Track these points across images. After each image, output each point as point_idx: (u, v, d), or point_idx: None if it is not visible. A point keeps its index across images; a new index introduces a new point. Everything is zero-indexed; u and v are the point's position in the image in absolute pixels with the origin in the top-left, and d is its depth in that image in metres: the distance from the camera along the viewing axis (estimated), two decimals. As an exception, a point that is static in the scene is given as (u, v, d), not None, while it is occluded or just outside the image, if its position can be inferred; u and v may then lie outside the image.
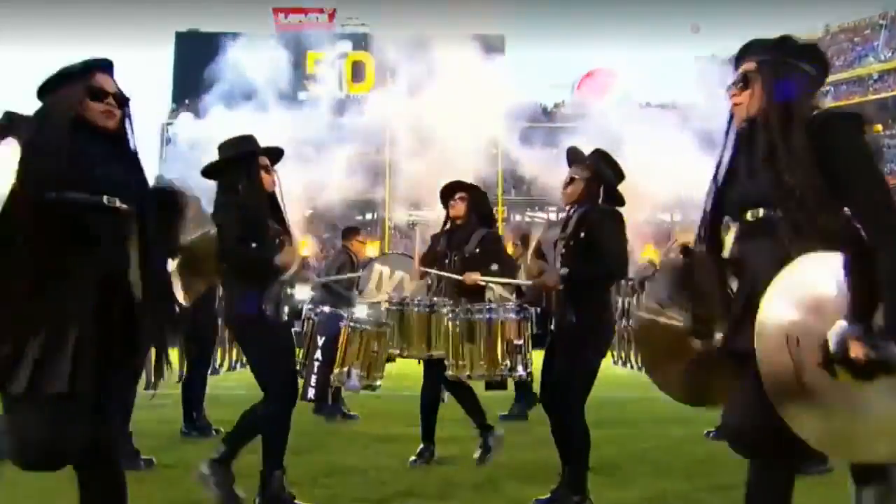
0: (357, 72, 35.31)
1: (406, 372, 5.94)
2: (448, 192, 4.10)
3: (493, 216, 4.33)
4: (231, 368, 9.27)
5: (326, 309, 3.92)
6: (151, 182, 2.02)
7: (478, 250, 3.93)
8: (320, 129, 29.56)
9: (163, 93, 40.08)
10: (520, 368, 3.48)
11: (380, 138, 30.35)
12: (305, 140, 29.43)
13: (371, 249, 21.04)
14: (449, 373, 3.61)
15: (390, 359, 4.06)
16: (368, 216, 33.83)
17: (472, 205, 4.06)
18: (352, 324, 3.70)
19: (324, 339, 3.72)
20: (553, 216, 34.83)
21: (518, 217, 34.37)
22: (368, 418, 5.67)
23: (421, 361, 4.12)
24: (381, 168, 30.32)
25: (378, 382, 3.76)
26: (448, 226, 4.15)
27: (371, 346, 3.67)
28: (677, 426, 5.11)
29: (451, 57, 31.47)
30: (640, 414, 5.87)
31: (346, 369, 3.64)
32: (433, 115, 33.15)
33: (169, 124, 32.86)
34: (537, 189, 32.86)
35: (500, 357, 3.47)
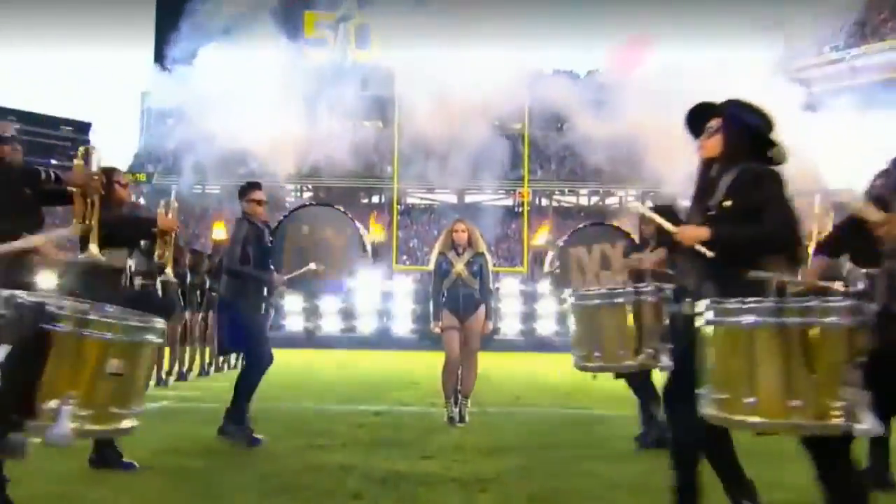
0: (362, 36, 35.33)
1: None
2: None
3: None
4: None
5: (23, 298, 2.18)
6: None
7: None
8: (320, 99, 29.89)
9: (143, 59, 40.22)
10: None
11: (387, 111, 30.50)
12: (304, 113, 29.65)
13: (377, 234, 21.52)
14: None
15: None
16: (375, 198, 34.14)
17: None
18: (60, 324, 2.09)
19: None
20: (584, 200, 34.72)
21: (545, 201, 34.22)
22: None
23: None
24: (389, 144, 30.38)
25: (125, 425, 2.25)
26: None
27: (104, 362, 2.14)
28: None
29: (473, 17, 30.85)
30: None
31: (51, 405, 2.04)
32: (452, 85, 32.89)
33: (148, 93, 33.19)
34: (565, 170, 32.98)
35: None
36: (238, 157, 32.11)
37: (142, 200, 31.08)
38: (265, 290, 4.42)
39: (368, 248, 4.82)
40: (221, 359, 9.02)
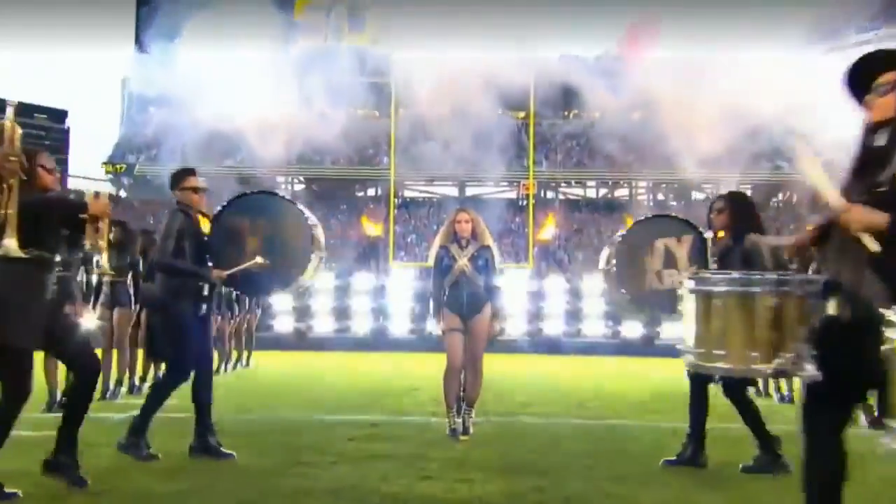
0: (356, 18, 35.09)
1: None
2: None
3: None
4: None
5: None
6: None
7: None
8: (312, 87, 29.63)
9: (123, 41, 39.79)
10: None
11: (384, 98, 30.27)
12: (294, 101, 29.45)
13: (373, 229, 21.35)
14: None
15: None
16: (371, 191, 33.95)
17: None
18: None
19: None
20: (592, 193, 34.51)
21: (550, 195, 34.04)
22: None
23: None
24: (386, 134, 30.14)
25: None
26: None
27: None
28: None
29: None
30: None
31: None
32: (452, 71, 32.66)
33: (128, 79, 32.89)
34: (571, 161, 32.82)
35: None
36: (225, 147, 32.06)
37: (123, 193, 30.93)
38: (204, 288, 4.13)
39: (320, 240, 4.51)
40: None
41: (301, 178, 33.97)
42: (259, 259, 4.17)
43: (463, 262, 4.92)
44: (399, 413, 6.11)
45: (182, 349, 4.05)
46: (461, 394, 5.09)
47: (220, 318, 8.64)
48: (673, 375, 9.76)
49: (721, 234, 4.15)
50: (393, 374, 9.76)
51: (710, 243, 4.29)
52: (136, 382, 7.06)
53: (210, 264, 4.16)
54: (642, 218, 4.91)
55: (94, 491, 3.34)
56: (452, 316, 4.92)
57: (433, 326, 5.17)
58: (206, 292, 4.17)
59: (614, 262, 4.63)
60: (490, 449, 4.64)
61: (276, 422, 5.67)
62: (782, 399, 7.18)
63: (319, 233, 4.54)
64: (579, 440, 5.05)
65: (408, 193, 34.60)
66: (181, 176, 4.23)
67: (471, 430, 4.97)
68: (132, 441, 3.99)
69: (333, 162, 32.16)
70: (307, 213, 4.49)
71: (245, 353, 9.96)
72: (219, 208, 4.34)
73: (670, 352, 13.15)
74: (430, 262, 5.16)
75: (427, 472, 3.87)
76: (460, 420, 4.97)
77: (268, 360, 11.29)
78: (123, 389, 6.74)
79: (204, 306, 4.20)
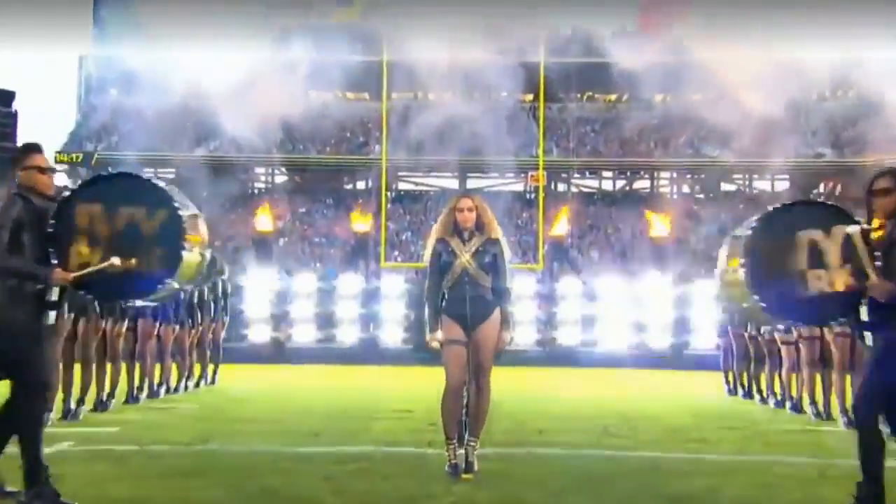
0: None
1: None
2: None
3: None
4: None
5: None
6: None
7: None
8: (296, 66, 29.31)
9: (80, 15, 39.30)
10: None
11: (375, 79, 29.88)
12: (275, 82, 29.15)
13: (362, 225, 20.99)
14: None
15: None
16: (361, 184, 33.67)
17: None
18: None
19: None
20: (608, 184, 34.18)
21: (562, 186, 33.70)
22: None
23: None
24: (377, 119, 29.79)
25: None
26: None
27: None
28: None
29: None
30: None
31: None
32: (451, 48, 32.33)
33: (86, 58, 32.44)
34: (585, 149, 32.52)
35: None
36: (197, 133, 31.68)
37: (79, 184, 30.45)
38: (50, 292, 3.64)
39: (201, 233, 4.18)
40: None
41: (282, 169, 33.62)
42: (115, 259, 3.69)
43: (465, 258, 4.53)
44: (388, 443, 5.61)
45: (26, 364, 3.55)
46: (464, 420, 4.65)
47: (178, 326, 8.24)
48: (710, 393, 9.64)
49: (877, 222, 3.59)
50: (383, 393, 9.38)
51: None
52: (104, 398, 7.12)
53: (55, 262, 3.66)
54: (778, 206, 4.25)
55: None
56: (453, 324, 4.52)
57: (429, 337, 4.64)
58: (53, 297, 3.66)
59: (742, 261, 4.07)
60: (500, 490, 4.18)
61: (238, 455, 5.17)
62: (818, 415, 7.13)
63: (199, 224, 4.14)
64: (610, 478, 4.54)
65: (402, 186, 34.43)
66: (24, 153, 3.73)
67: (475, 466, 4.49)
68: (30, 496, 3.47)
69: (319, 150, 31.90)
70: (181, 199, 4.05)
71: (210, 368, 9.59)
72: (66, 194, 3.87)
73: (703, 363, 12.70)
74: (426, 259, 4.72)
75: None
76: (462, 453, 4.51)
77: (238, 375, 10.99)
78: (86, 408, 6.77)
79: (52, 314, 3.70)
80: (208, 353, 9.35)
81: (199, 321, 8.87)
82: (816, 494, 4.23)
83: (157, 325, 7.74)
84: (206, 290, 9.02)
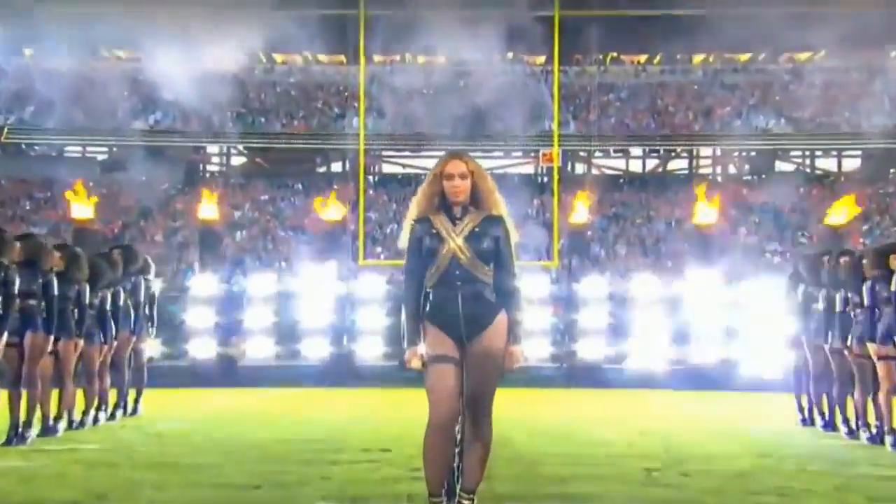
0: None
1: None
2: None
3: None
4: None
5: None
6: None
7: None
8: (256, 24, 28.84)
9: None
10: None
11: (351, 39, 29.58)
12: (231, 43, 28.71)
13: (335, 211, 20.55)
14: None
15: None
16: (336, 166, 33.48)
17: None
18: None
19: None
20: (637, 165, 33.89)
21: (580, 167, 33.47)
22: None
23: None
24: (354, 87, 29.46)
25: None
26: None
27: None
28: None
29: None
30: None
31: None
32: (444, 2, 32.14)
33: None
34: (609, 122, 32.21)
35: None
36: (134, 104, 31.23)
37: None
38: None
39: None
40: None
41: (241, 149, 33.37)
42: None
43: (457, 242, 4.00)
44: (352, 498, 5.01)
45: None
46: (455, 468, 4.21)
47: (82, 341, 7.77)
48: (778, 424, 9.24)
49: None
50: (355, 425, 8.97)
51: None
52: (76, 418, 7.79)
53: None
54: None
55: None
56: (440, 335, 4.00)
57: (408, 353, 4.11)
58: None
59: None
60: None
61: None
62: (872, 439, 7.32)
63: None
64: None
65: (386, 168, 34.59)
66: None
67: None
68: None
69: (285, 125, 31.67)
70: None
71: (130, 394, 9.18)
72: None
73: (763, 384, 12.42)
74: (403, 242, 4.17)
75: None
76: None
77: (171, 402, 10.72)
78: (33, 432, 7.17)
79: None
80: (127, 374, 8.92)
81: (114, 334, 8.41)
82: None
83: (52, 339, 7.13)
84: (122, 293, 8.59)
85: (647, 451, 7.03)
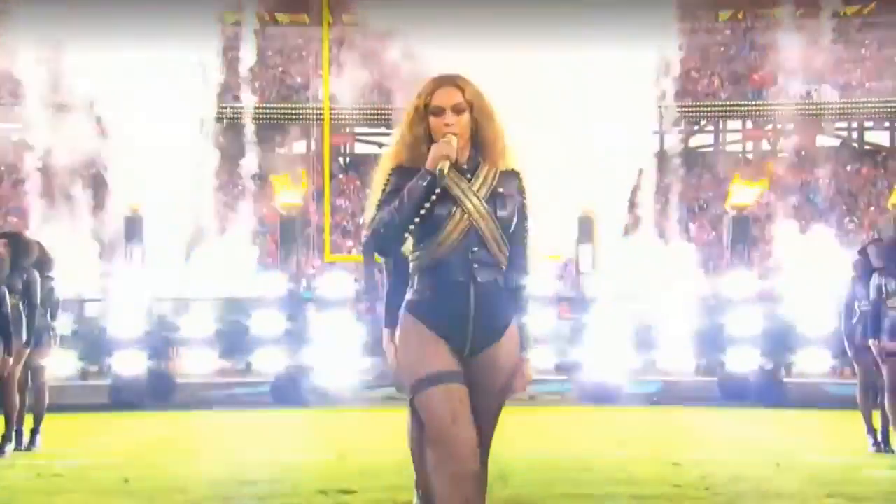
0: None
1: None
2: None
3: None
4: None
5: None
6: None
7: None
8: None
9: None
10: None
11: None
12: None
13: (294, 199, 20.27)
14: None
15: None
16: (300, 145, 33.80)
17: None
18: None
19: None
20: (655, 140, 33.89)
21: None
22: None
23: None
24: (318, 52, 29.25)
25: None
26: None
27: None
28: None
29: None
30: None
31: None
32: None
33: None
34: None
35: None
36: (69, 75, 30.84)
37: None
38: None
39: None
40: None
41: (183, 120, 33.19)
42: None
43: (475, 203, 3.31)
44: None
45: None
46: None
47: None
48: (844, 447, 9.07)
49: None
50: (312, 456, 8.69)
51: None
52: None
53: None
54: None
55: None
56: (434, 342, 3.31)
57: (384, 366, 3.94)
58: None
59: None
60: None
61: None
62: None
63: None
64: None
65: (359, 148, 34.90)
66: None
67: None
68: None
69: (236, 97, 31.40)
70: None
71: (26, 422, 8.82)
72: None
73: (814, 395, 12.44)
74: (373, 198, 3.40)
75: None
76: None
77: (83, 430, 10.53)
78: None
79: None
80: (17, 397, 8.48)
81: (5, 346, 7.94)
82: None
83: None
84: (13, 295, 8.14)
85: (686, 487, 6.63)
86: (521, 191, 3.42)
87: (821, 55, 29.72)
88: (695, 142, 33.65)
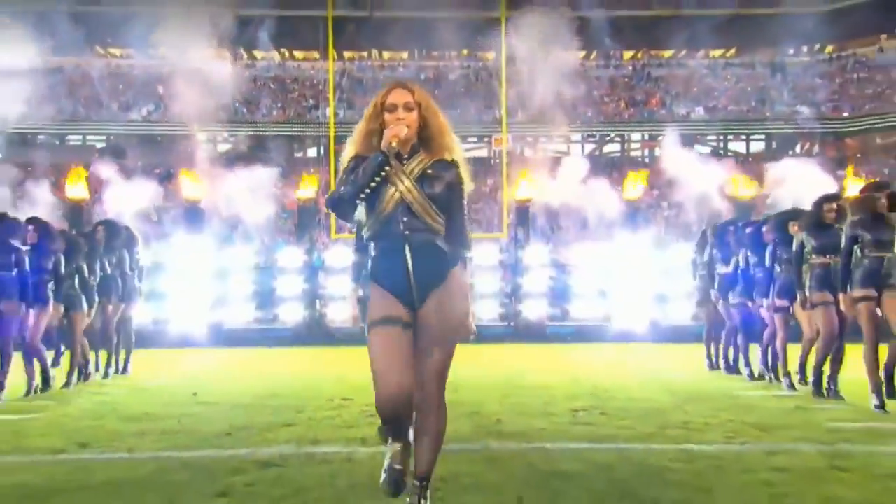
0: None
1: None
2: None
3: None
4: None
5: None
6: None
7: None
8: (241, 23, 27.95)
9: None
10: None
11: (322, 35, 28.81)
12: (216, 40, 27.72)
13: (308, 192, 20.03)
14: None
15: None
16: (312, 151, 32.92)
17: None
18: None
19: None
20: (578, 148, 33.59)
21: (528, 151, 33.10)
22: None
23: None
24: (323, 80, 28.84)
25: None
26: None
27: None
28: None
29: None
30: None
31: None
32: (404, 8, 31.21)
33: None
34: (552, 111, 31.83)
35: None
36: (129, 97, 30.27)
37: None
38: None
39: None
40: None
41: (226, 135, 32.53)
42: None
43: (406, 183, 3.02)
44: (313, 441, 4.87)
45: None
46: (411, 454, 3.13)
47: (64, 308, 7.54)
48: (691, 368, 9.05)
49: None
50: (322, 378, 8.59)
51: None
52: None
53: None
54: None
55: None
56: (385, 296, 3.03)
57: (357, 309, 3.33)
58: None
59: None
60: (441, 500, 3.40)
61: (116, 465, 4.33)
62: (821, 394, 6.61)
63: None
64: (576, 478, 3.84)
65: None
66: None
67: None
68: None
69: (264, 115, 30.99)
70: None
71: (122, 355, 8.86)
72: None
73: (681, 335, 11.91)
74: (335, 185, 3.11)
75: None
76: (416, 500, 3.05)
77: (159, 360, 10.42)
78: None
79: None
80: (115, 338, 8.54)
81: (97, 302, 8.04)
82: (829, 494, 3.58)
83: (23, 307, 6.68)
84: (110, 266, 8.26)
85: (578, 394, 6.88)
86: (457, 176, 3.10)
87: (697, 85, 29.98)
88: (607, 149, 33.54)
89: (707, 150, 32.15)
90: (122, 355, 8.84)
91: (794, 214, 7.22)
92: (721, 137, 32.53)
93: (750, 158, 30.44)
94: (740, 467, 4.10)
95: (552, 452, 4.50)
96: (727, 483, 3.78)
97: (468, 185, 3.14)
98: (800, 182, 12.80)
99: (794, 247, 6.68)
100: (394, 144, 2.95)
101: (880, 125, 29.44)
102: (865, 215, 5.94)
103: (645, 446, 4.66)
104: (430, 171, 3.04)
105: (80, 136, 31.68)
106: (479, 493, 3.65)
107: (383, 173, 2.95)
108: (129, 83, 30.26)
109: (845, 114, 29.27)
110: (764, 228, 7.55)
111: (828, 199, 6.68)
